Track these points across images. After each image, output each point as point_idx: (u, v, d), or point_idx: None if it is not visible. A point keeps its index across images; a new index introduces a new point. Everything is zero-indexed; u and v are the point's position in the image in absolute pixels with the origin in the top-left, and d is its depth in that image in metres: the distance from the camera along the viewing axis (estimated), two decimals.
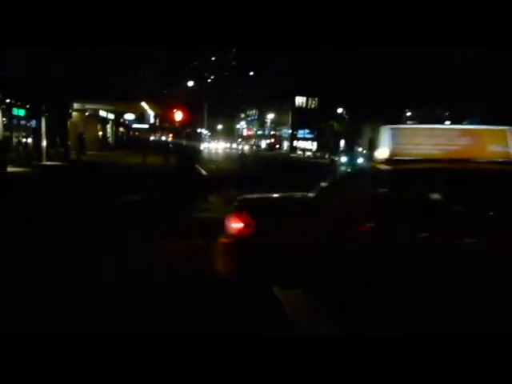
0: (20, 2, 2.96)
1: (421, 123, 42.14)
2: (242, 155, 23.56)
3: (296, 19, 3.02)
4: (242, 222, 4.04)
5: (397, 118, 42.75)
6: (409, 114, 42.13)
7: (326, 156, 42.00)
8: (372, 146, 49.11)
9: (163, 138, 51.33)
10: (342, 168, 31.79)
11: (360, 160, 35.13)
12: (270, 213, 4.29)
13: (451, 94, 32.65)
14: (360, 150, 45.65)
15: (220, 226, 7.86)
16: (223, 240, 4.21)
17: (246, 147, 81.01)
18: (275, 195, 5.34)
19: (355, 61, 42.44)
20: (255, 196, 5.20)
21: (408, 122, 42.52)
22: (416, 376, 2.38)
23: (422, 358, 2.51)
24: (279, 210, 4.41)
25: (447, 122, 37.77)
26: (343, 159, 36.02)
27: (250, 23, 3.04)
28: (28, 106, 20.47)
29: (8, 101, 18.58)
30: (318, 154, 55.96)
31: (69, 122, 25.92)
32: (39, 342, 2.66)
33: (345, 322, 3.71)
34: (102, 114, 35.23)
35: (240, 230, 4.04)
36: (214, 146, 73.95)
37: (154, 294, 4.43)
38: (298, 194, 4.89)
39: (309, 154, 59.03)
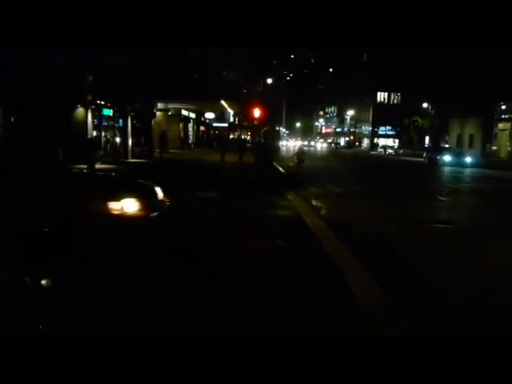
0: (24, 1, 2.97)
1: None
2: (300, 152, 22.66)
3: (296, 19, 3.00)
4: None
5: (490, 112, 39.66)
6: (503, 107, 38.73)
7: (424, 154, 36.15)
8: (461, 142, 46.12)
9: (242, 137, 52.08)
10: (447, 168, 27.73)
11: (468, 159, 30.53)
12: None
13: None
14: (446, 146, 42.37)
15: (298, 225, 7.51)
16: None
17: (323, 144, 79.97)
18: None
19: (441, 50, 39.88)
20: None
21: (503, 116, 39.27)
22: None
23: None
24: None
25: None
26: (447, 158, 30.80)
27: (251, 23, 3.03)
28: (115, 107, 21.54)
29: (98, 102, 19.64)
30: (401, 152, 53.52)
31: (153, 122, 27.00)
32: (40, 342, 2.68)
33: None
34: (184, 113, 36.37)
35: None
36: (292, 144, 73.83)
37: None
38: None
39: (390, 151, 56.72)
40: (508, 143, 38.71)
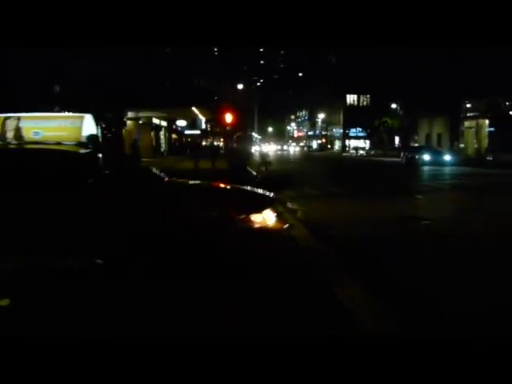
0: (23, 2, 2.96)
1: (484, 115, 39.10)
2: (264, 156, 22.86)
3: (296, 19, 3.02)
4: None
5: (456, 111, 40.72)
6: (469, 105, 39.83)
7: (401, 154, 34.76)
8: (429, 141, 47.17)
9: (215, 143, 51.93)
10: (427, 167, 27.00)
11: (447, 157, 29.96)
12: None
13: None
14: (423, 145, 42.51)
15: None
16: None
17: (296, 148, 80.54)
18: None
19: (408, 52, 40.75)
20: None
21: (468, 115, 40.37)
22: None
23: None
24: None
25: None
26: (426, 157, 30.04)
27: (251, 23, 3.04)
28: None
29: (66, 112, 19.21)
30: (372, 152, 54.35)
31: (124, 131, 26.59)
32: (39, 342, 2.67)
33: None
34: (155, 121, 36.01)
35: None
36: (265, 149, 74.05)
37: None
38: None
39: (362, 152, 57.57)
40: (474, 141, 39.81)
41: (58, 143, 5.31)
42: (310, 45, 3.35)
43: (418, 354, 2.55)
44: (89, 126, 5.73)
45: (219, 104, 38.63)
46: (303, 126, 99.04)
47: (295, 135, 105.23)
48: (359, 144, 66.09)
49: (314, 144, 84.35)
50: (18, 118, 5.60)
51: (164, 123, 40.04)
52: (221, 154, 30.42)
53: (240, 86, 45.30)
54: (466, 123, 41.12)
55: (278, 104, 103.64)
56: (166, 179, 5.54)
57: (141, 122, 31.32)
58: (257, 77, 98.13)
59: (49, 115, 5.92)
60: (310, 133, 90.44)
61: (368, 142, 66.22)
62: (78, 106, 19.39)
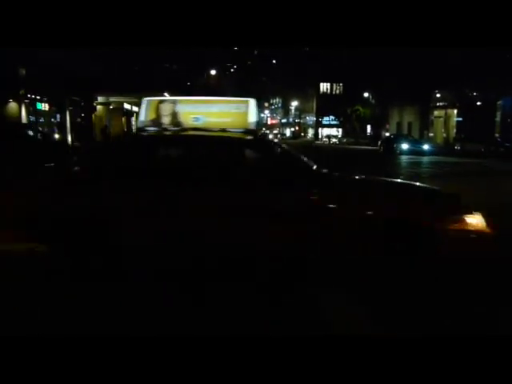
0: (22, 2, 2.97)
1: (452, 104, 39.74)
2: None
3: (297, 19, 3.03)
4: None
5: (426, 100, 41.49)
6: (438, 95, 40.65)
7: (379, 142, 35.06)
8: (400, 130, 47.97)
9: None
10: (407, 156, 26.65)
11: (425, 146, 29.97)
12: None
13: (481, 73, 31.17)
14: (387, 134, 43.70)
15: None
16: None
17: (269, 135, 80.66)
18: None
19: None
20: None
21: (438, 104, 41.18)
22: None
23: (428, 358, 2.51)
24: None
25: (479, 103, 36.39)
26: (404, 146, 30.10)
27: (250, 24, 3.05)
28: (52, 101, 20.56)
29: (32, 96, 18.66)
30: (345, 141, 54.94)
31: (93, 116, 26.05)
32: (39, 342, 2.66)
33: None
34: (127, 106, 35.35)
35: None
36: None
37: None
38: None
39: (334, 140, 58.13)
40: (443, 130, 40.70)
41: (223, 130, 4.85)
42: (301, 45, 3.36)
43: (417, 354, 2.57)
44: (253, 111, 5.10)
45: (191, 90, 38.19)
46: (277, 114, 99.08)
47: (269, 123, 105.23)
48: (332, 132, 66.64)
49: (288, 132, 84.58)
50: (174, 102, 5.11)
51: (136, 108, 39.32)
52: None
53: (213, 72, 44.85)
54: (436, 112, 41.96)
55: (251, 91, 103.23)
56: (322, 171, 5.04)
57: (111, 107, 30.70)
58: (230, 63, 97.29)
59: (209, 99, 5.19)
60: (284, 120, 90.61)
61: (340, 130, 66.84)
62: (44, 89, 18.88)
